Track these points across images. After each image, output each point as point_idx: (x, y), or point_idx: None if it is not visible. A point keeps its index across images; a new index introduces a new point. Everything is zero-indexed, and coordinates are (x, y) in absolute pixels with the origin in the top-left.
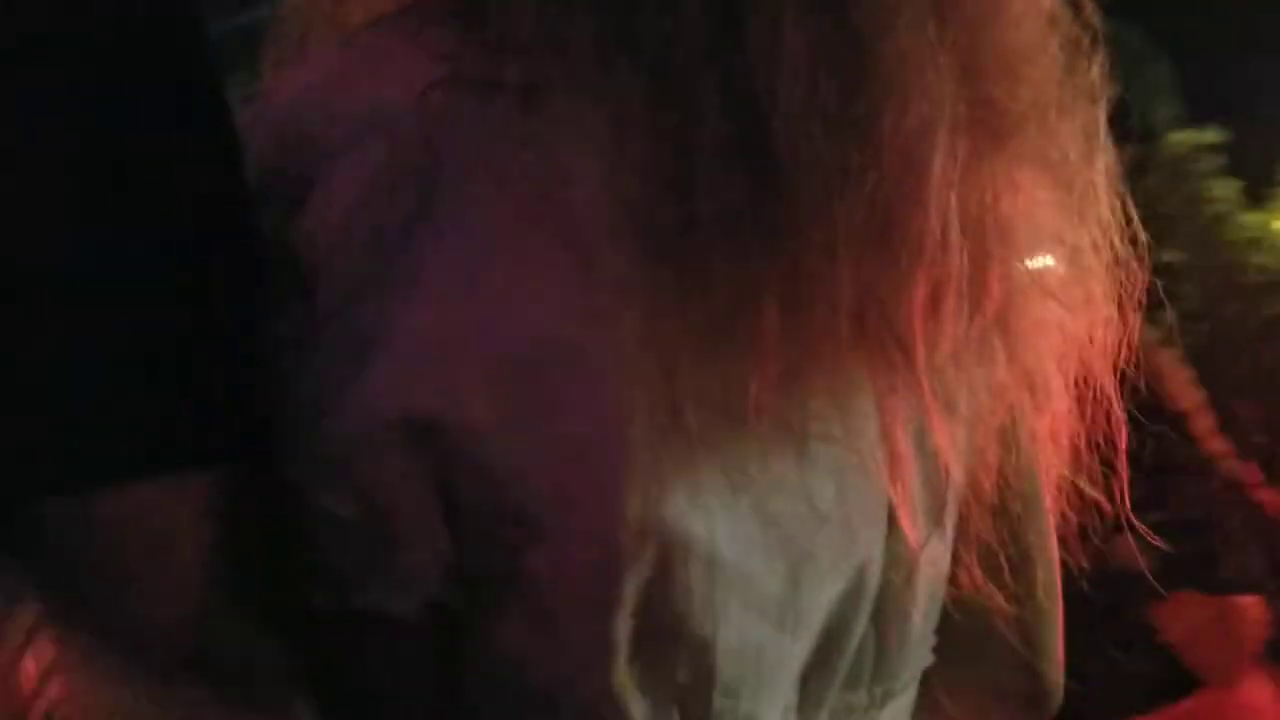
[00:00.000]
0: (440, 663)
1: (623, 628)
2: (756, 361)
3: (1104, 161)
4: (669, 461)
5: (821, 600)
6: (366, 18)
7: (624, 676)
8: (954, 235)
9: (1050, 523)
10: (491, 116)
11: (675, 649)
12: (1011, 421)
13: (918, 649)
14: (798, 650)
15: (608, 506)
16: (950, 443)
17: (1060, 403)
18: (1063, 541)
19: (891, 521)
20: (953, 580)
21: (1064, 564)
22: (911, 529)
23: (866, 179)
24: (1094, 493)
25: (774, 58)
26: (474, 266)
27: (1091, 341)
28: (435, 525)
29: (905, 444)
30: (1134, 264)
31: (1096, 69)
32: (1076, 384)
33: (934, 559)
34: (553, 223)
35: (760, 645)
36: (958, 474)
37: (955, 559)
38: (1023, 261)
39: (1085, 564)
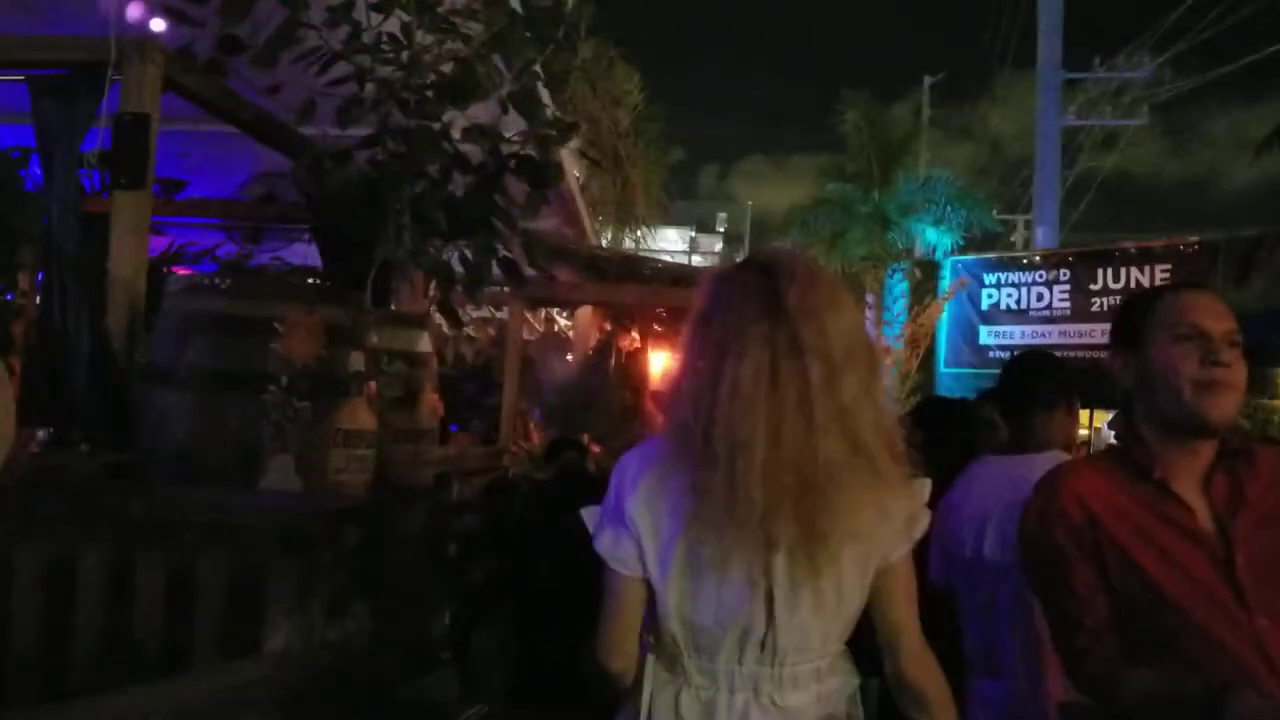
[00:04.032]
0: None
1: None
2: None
3: None
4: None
5: (733, 626)
6: None
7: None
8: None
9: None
10: None
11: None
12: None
13: (799, 654)
14: (727, 641)
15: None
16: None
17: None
18: None
19: (771, 605)
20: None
21: None
22: (778, 619)
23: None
24: None
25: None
26: None
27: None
28: None
29: (788, 584)
30: None
31: None
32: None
33: (799, 622)
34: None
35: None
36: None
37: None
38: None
39: None
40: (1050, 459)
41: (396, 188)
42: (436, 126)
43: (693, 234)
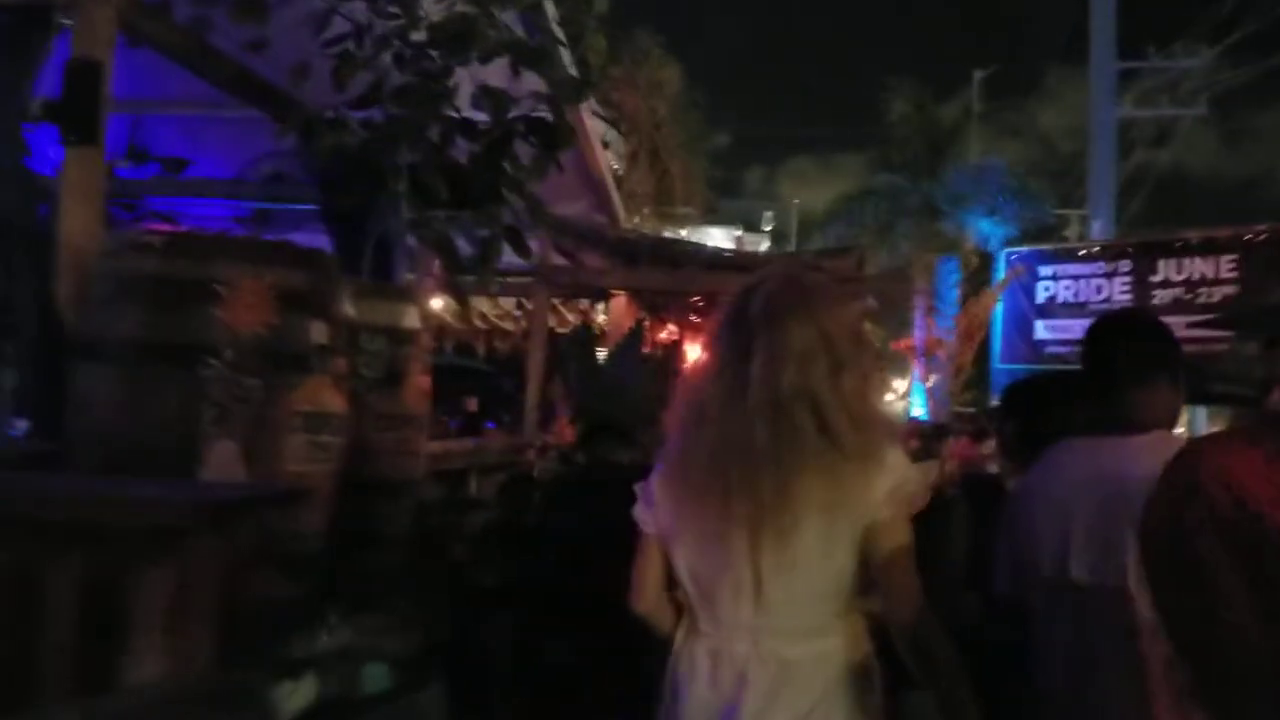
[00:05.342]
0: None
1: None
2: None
3: None
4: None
5: (728, 582)
6: None
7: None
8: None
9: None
10: None
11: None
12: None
13: (791, 608)
14: (726, 595)
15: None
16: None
17: None
18: None
19: (760, 567)
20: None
21: None
22: (763, 576)
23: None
24: None
25: None
26: None
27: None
28: None
29: (771, 551)
30: None
31: None
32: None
33: (784, 581)
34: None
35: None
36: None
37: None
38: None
39: None
40: (1159, 440)
41: (393, 153)
42: (438, 87)
43: (738, 233)
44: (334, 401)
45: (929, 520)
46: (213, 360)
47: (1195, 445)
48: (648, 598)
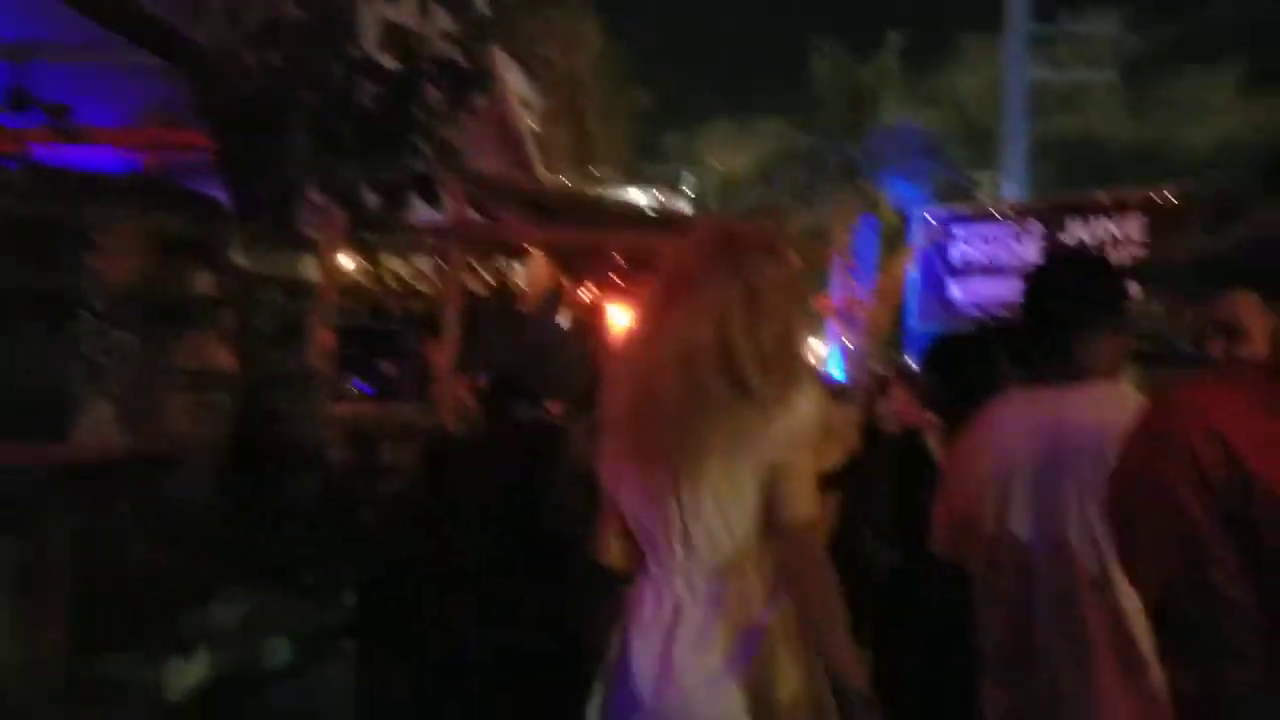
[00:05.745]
0: None
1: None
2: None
3: None
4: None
5: (658, 522)
6: None
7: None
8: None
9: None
10: None
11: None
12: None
13: (712, 548)
14: (659, 535)
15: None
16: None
17: None
18: None
19: (681, 508)
20: None
21: None
22: (685, 518)
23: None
24: None
25: None
26: None
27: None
28: None
29: (687, 493)
30: None
31: None
32: None
33: (703, 521)
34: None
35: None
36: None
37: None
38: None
39: None
40: (1105, 391)
41: (293, 96)
42: (340, 25)
43: (659, 195)
44: (222, 358)
45: (858, 474)
46: (83, 312)
47: (1174, 394)
48: (610, 548)
